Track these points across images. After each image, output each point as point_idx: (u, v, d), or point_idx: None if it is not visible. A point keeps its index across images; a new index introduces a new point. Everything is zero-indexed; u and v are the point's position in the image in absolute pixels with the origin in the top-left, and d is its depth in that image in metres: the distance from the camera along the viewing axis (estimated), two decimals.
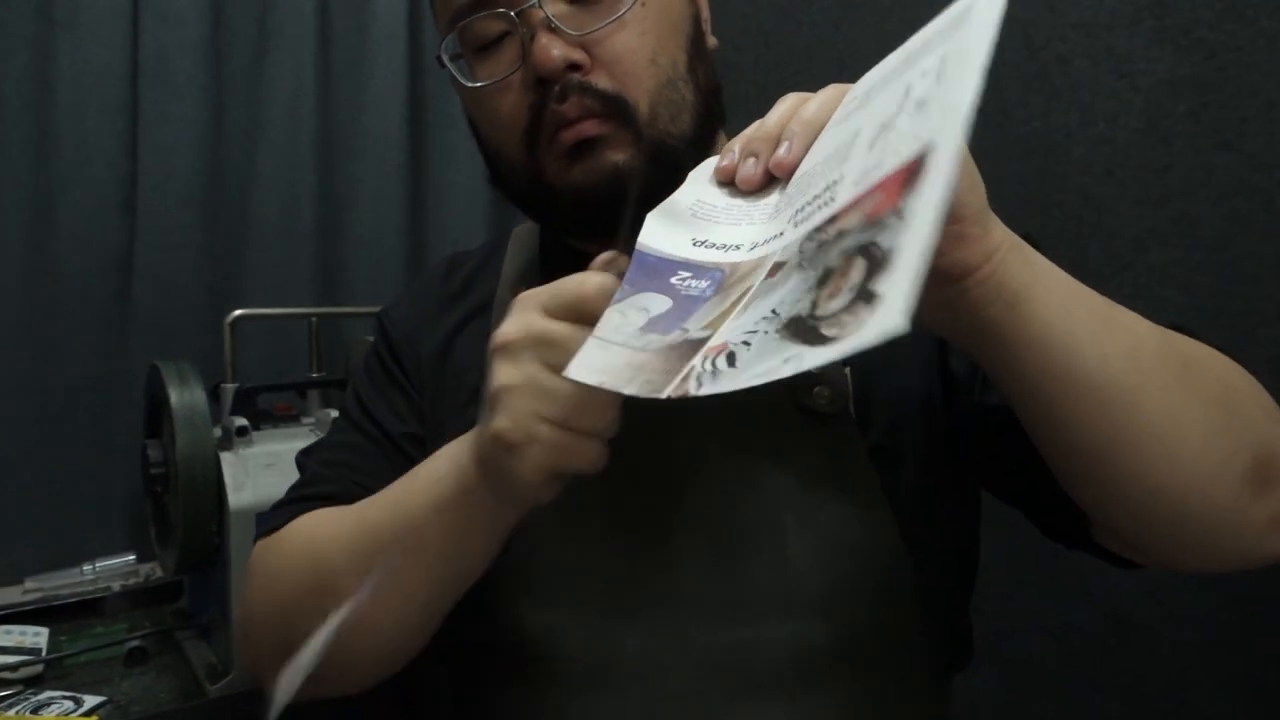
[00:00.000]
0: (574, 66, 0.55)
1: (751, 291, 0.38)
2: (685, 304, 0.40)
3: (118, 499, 1.22)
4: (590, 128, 0.55)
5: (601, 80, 0.55)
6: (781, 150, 0.43)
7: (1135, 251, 0.87)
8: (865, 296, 0.29)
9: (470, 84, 0.59)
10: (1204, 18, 0.83)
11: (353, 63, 1.42)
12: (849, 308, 0.30)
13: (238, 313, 1.09)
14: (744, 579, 0.52)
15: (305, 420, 1.12)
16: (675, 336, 0.38)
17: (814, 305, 0.32)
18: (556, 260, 0.66)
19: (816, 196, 0.38)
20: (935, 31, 0.36)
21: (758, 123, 0.46)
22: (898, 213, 0.30)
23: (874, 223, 0.31)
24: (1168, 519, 0.43)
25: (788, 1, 1.25)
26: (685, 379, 0.35)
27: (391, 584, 0.49)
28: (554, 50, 0.54)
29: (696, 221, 0.45)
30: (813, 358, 0.30)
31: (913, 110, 0.33)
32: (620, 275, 0.42)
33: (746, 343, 0.34)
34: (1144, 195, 0.87)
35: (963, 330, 0.41)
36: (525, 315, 0.43)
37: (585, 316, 0.42)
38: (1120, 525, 0.47)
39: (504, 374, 0.43)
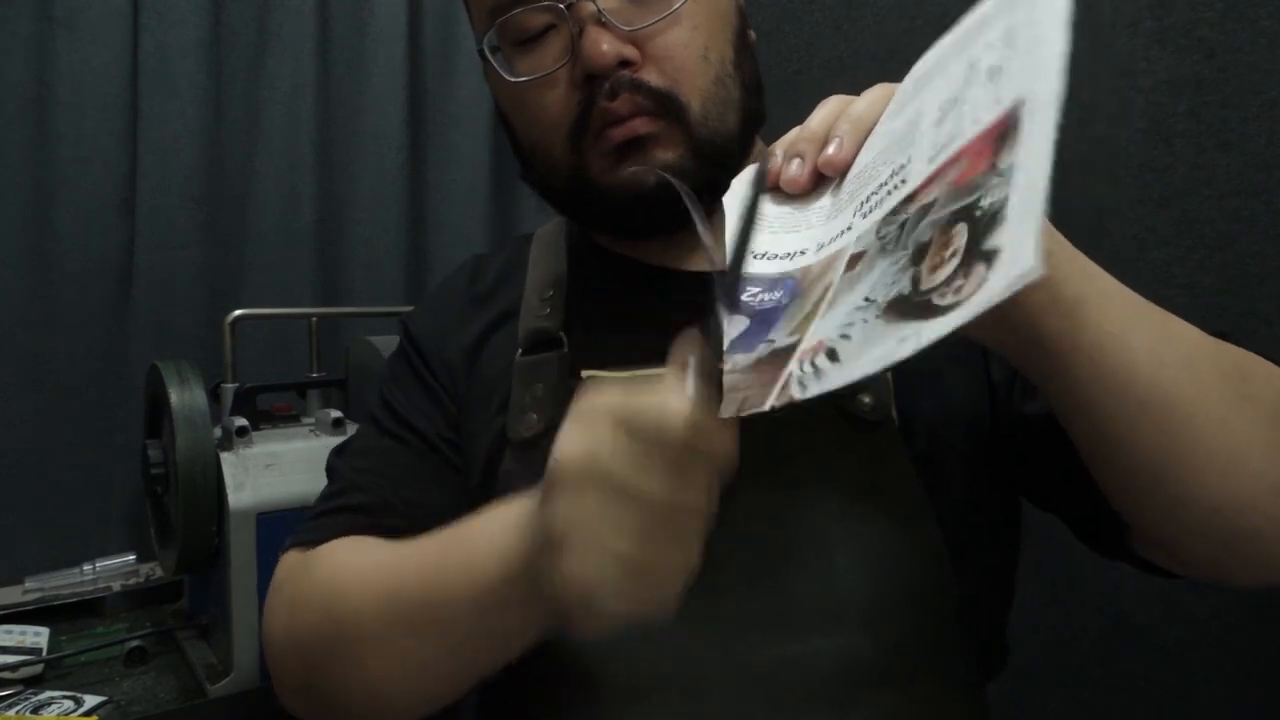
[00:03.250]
0: (625, 62, 0.53)
1: (833, 288, 0.37)
2: (764, 318, 0.39)
3: (118, 499, 1.21)
4: (641, 125, 0.54)
5: (653, 77, 0.54)
6: (831, 149, 0.42)
7: (1136, 251, 0.87)
8: (981, 257, 0.28)
9: (513, 78, 0.57)
10: (1204, 18, 0.83)
11: (352, 63, 1.41)
12: (961, 271, 0.29)
13: (237, 313, 1.08)
14: (790, 593, 0.50)
15: (305, 420, 1.11)
16: (761, 350, 0.38)
17: (915, 282, 0.31)
18: (586, 263, 0.65)
19: (883, 184, 0.38)
20: (993, 8, 0.36)
21: (799, 127, 0.45)
22: (995, 171, 0.29)
23: (965, 188, 0.31)
24: (1223, 536, 0.42)
25: (788, 1, 1.25)
26: (785, 386, 0.34)
27: (421, 656, 0.48)
28: (604, 45, 0.52)
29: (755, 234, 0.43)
30: (932, 330, 0.29)
31: (984, 80, 0.33)
32: (705, 385, 0.36)
33: (845, 336, 0.33)
34: (1145, 195, 0.87)
35: (1015, 341, 0.40)
36: (592, 434, 0.36)
37: (666, 452, 0.35)
38: (1172, 542, 0.45)
39: (569, 507, 0.36)
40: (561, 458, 0.37)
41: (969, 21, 0.38)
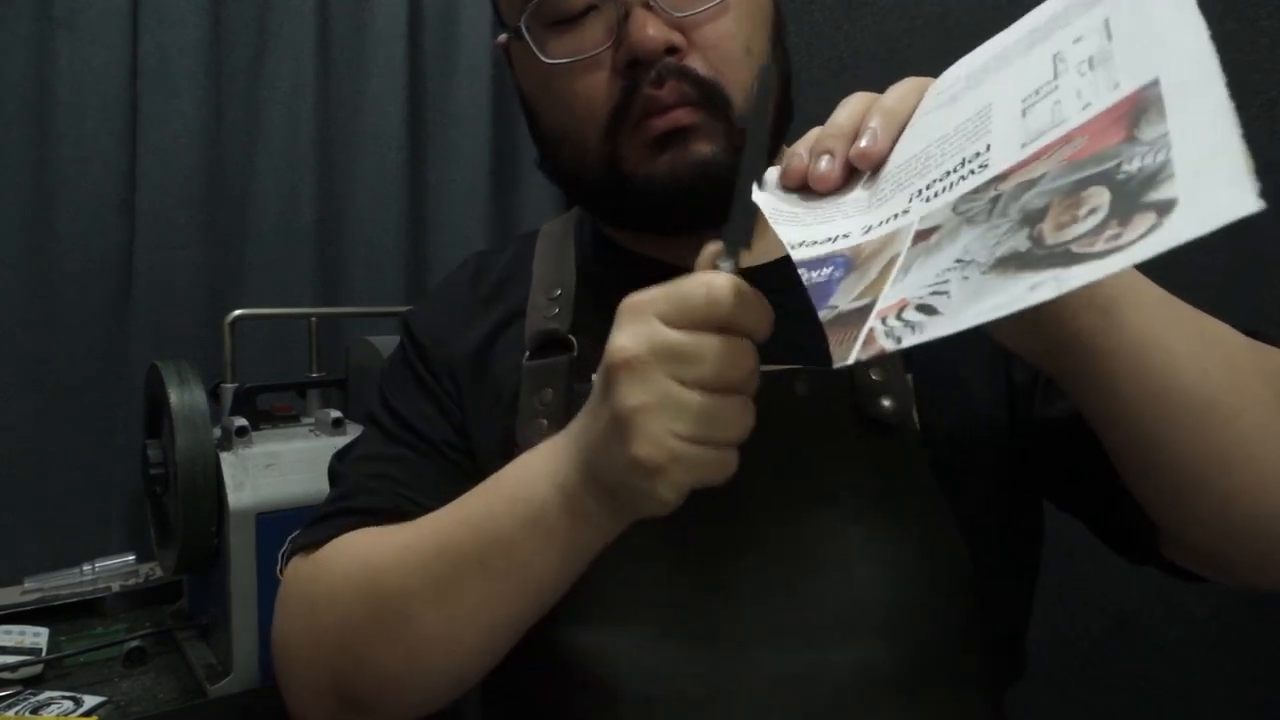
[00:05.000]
0: (670, 50, 0.52)
1: (900, 258, 0.36)
2: (819, 291, 0.39)
3: (117, 499, 1.22)
4: (683, 116, 0.52)
5: (699, 66, 0.52)
6: (864, 141, 0.42)
7: None
8: (1146, 208, 0.27)
9: (550, 60, 0.54)
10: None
11: (352, 62, 1.42)
12: (1114, 222, 0.28)
13: (237, 313, 1.08)
14: (808, 601, 0.49)
15: (305, 420, 1.12)
16: (825, 314, 0.38)
17: (1037, 240, 0.30)
18: (597, 261, 0.63)
19: (951, 171, 0.37)
20: (1065, 6, 0.37)
21: (820, 127, 0.45)
22: (1138, 141, 0.29)
23: (1091, 159, 0.30)
24: (1260, 541, 0.41)
25: (788, 1, 1.25)
26: (869, 342, 0.34)
27: (474, 606, 0.47)
28: (651, 29, 0.50)
29: (784, 227, 0.43)
30: (1086, 272, 0.27)
31: (1083, 71, 0.34)
32: (735, 270, 0.39)
33: (940, 292, 0.32)
34: None
35: (1048, 344, 0.39)
36: (645, 327, 0.39)
37: (716, 324, 0.38)
38: (1205, 546, 0.45)
39: (633, 394, 0.38)
40: (619, 350, 0.39)
41: (1035, 20, 0.38)
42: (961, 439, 0.53)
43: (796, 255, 0.40)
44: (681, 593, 0.51)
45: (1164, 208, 0.27)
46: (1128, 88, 0.31)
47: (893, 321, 0.33)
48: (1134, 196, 0.28)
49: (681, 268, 0.59)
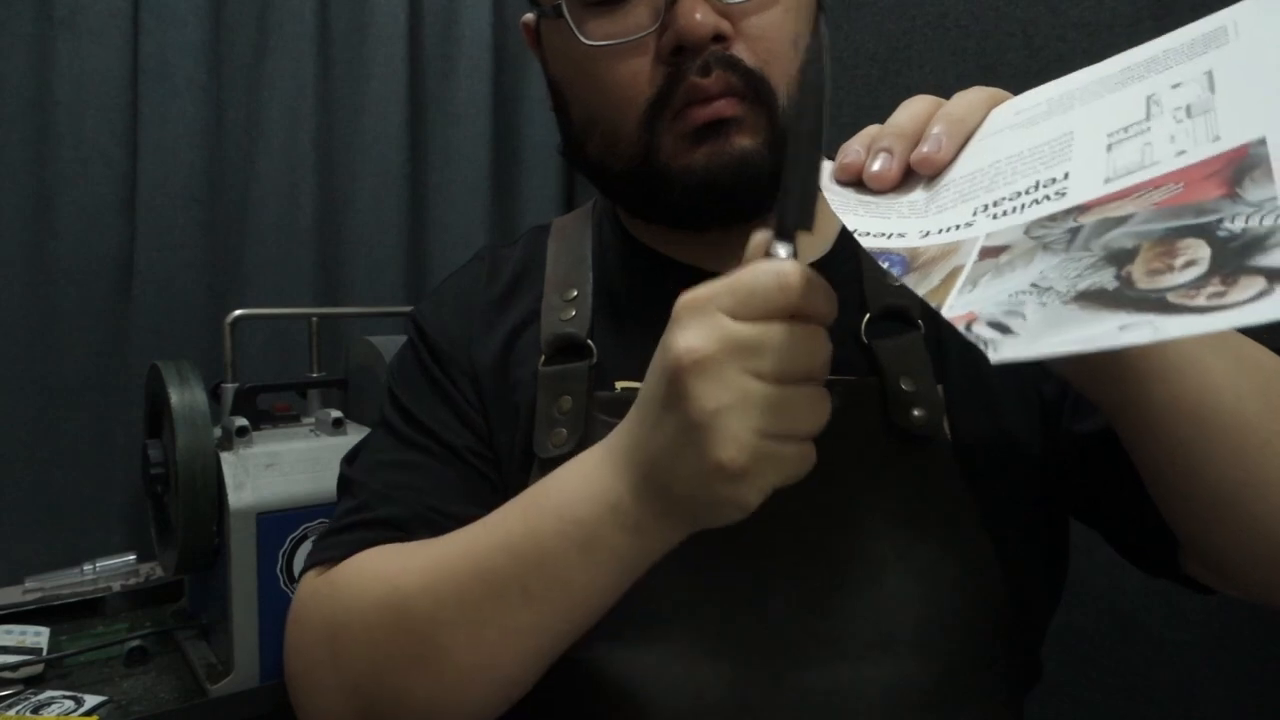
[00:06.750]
0: (718, 37, 0.50)
1: (966, 270, 0.36)
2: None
3: (118, 499, 1.22)
4: (727, 107, 0.50)
5: (746, 56, 0.51)
6: (928, 147, 0.41)
7: None
8: (1254, 271, 0.27)
9: (590, 42, 0.51)
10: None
11: (352, 63, 1.42)
12: (1216, 280, 0.28)
13: (238, 313, 1.08)
14: (840, 617, 0.48)
15: (305, 420, 1.12)
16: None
17: (1126, 281, 0.30)
18: (613, 260, 0.61)
19: (1023, 192, 0.38)
20: (1167, 51, 0.37)
21: (877, 125, 0.44)
22: (1241, 200, 0.30)
23: (1185, 210, 0.31)
24: None
25: None
26: None
27: (514, 633, 0.45)
28: (699, 14, 0.48)
29: (847, 215, 0.42)
30: (1185, 325, 0.27)
31: (1179, 117, 0.34)
32: (793, 255, 0.37)
33: (1015, 314, 0.32)
34: None
35: (1087, 364, 0.39)
36: (710, 323, 0.37)
37: (785, 313, 0.36)
38: (1231, 565, 0.44)
39: (709, 395, 0.36)
40: (688, 350, 0.36)
41: (1131, 59, 0.39)
42: (992, 451, 0.52)
43: (862, 241, 0.40)
44: (712, 608, 0.50)
45: (1275, 275, 0.27)
46: (1230, 142, 0.31)
47: (966, 331, 0.33)
48: (1238, 256, 0.28)
49: (705, 271, 0.56)
